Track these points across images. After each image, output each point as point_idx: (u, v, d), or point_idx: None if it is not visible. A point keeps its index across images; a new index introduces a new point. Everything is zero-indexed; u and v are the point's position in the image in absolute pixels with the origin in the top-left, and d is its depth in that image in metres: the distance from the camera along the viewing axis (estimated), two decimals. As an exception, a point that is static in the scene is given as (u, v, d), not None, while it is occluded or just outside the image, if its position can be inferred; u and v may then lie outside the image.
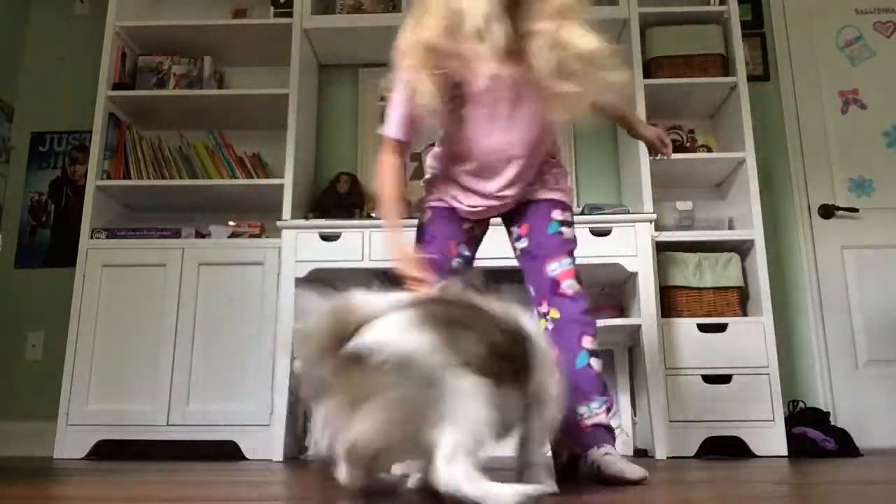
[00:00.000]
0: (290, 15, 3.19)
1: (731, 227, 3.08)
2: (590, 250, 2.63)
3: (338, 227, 2.81)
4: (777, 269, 3.18)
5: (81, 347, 2.82)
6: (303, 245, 2.77)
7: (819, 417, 2.82)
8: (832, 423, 2.83)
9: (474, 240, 1.81)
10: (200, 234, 3.04)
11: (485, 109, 1.55)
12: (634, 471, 1.40)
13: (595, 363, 1.57)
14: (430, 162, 1.83)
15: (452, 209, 1.76)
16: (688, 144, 3.20)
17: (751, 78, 3.20)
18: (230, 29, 3.29)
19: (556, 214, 1.66)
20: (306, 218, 3.00)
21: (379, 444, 0.95)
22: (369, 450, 0.96)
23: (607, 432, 1.54)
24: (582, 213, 2.94)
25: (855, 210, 3.25)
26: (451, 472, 0.90)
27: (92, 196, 3.02)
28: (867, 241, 3.24)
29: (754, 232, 2.87)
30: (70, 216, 3.41)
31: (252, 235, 3.02)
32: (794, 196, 3.32)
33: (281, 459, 2.60)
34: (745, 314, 2.86)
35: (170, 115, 3.31)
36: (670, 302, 2.84)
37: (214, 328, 2.84)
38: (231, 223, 3.05)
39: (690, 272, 2.86)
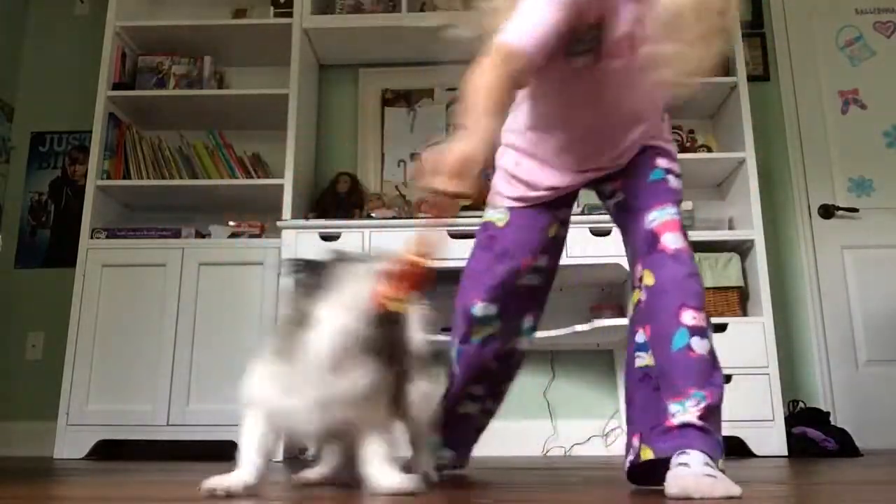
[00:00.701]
0: (290, 15, 3.19)
1: (731, 227, 3.08)
2: (590, 250, 2.64)
3: (338, 227, 2.81)
4: (777, 269, 3.18)
5: (81, 347, 2.82)
6: (303, 245, 2.77)
7: (819, 417, 2.82)
8: (832, 423, 2.83)
9: (557, 243, 1.47)
10: (200, 234, 3.04)
11: (617, 61, 1.27)
12: (707, 488, 1.04)
13: (698, 344, 1.20)
14: (509, 140, 1.46)
15: (533, 206, 1.42)
16: (688, 144, 3.20)
17: (751, 78, 3.20)
18: (230, 29, 3.29)
19: (661, 162, 1.36)
20: (306, 218, 3.00)
21: None
22: None
23: (700, 434, 1.15)
24: (582, 213, 2.94)
25: (855, 210, 3.25)
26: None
27: (92, 196, 3.02)
28: (867, 241, 3.24)
29: (754, 232, 2.87)
30: (70, 216, 3.41)
31: (252, 235, 3.01)
32: (794, 196, 3.32)
33: (281, 459, 2.60)
34: (745, 314, 2.86)
35: (170, 115, 3.31)
36: (670, 302, 2.84)
37: (214, 328, 2.84)
38: (231, 223, 3.05)
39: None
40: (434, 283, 1.11)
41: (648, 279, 1.27)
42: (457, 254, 2.72)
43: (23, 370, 3.27)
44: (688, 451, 1.13)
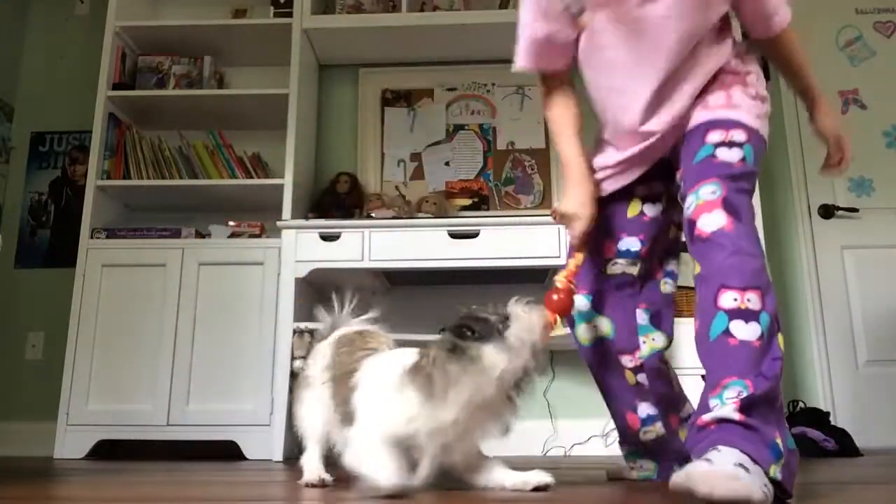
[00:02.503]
0: (290, 15, 3.19)
1: (731, 227, 3.07)
2: (590, 250, 2.63)
3: (338, 227, 2.81)
4: (777, 269, 3.19)
5: (81, 347, 2.82)
6: (303, 245, 2.77)
7: (819, 417, 2.82)
8: (832, 423, 2.83)
9: (644, 224, 1.45)
10: (200, 234, 3.04)
11: (610, 10, 1.30)
12: (715, 485, 0.89)
13: (741, 329, 1.07)
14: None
15: (611, 195, 1.44)
16: (688, 144, 3.19)
17: (751, 78, 3.20)
18: (230, 29, 3.29)
19: (713, 136, 1.24)
20: (306, 218, 3.00)
21: None
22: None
23: (740, 430, 1.01)
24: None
25: (855, 210, 3.25)
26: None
27: (92, 196, 3.02)
28: (867, 241, 3.24)
29: (754, 232, 2.86)
30: (70, 216, 3.41)
31: (252, 235, 3.01)
32: (794, 196, 3.32)
33: (281, 459, 2.60)
34: (745, 314, 2.85)
35: (170, 115, 3.31)
36: (670, 302, 2.84)
37: (214, 328, 2.84)
38: (231, 223, 3.05)
39: (691, 272, 2.86)
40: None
41: (697, 269, 1.21)
42: (457, 254, 2.74)
43: (23, 370, 3.27)
44: (720, 447, 0.98)
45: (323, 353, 1.39)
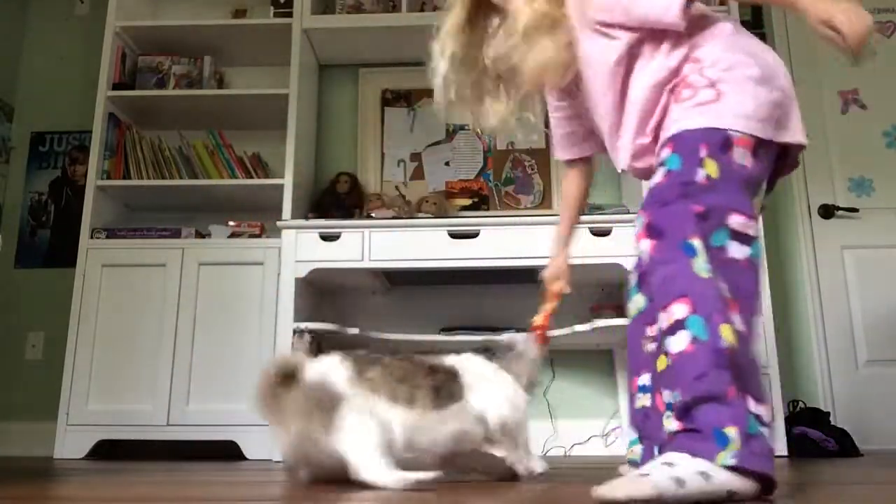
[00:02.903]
0: (290, 15, 3.19)
1: (731, 227, 3.07)
2: (590, 250, 2.63)
3: (338, 227, 2.81)
4: (777, 269, 3.19)
5: (81, 347, 2.82)
6: (303, 245, 2.77)
7: (819, 417, 2.82)
8: (832, 423, 2.83)
9: None
10: (200, 234, 3.04)
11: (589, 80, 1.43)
12: (625, 491, 0.94)
13: (671, 343, 1.09)
14: None
15: None
16: (688, 144, 3.19)
17: (751, 78, 3.20)
18: (230, 29, 3.29)
19: (665, 152, 1.23)
20: (306, 218, 3.00)
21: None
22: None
23: (682, 436, 1.05)
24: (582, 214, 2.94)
25: (855, 210, 3.25)
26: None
27: (92, 196, 3.02)
28: (867, 241, 3.24)
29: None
30: (70, 216, 3.41)
31: (252, 235, 3.01)
32: (794, 196, 3.32)
33: (281, 459, 2.60)
34: (745, 314, 2.85)
35: (170, 115, 3.31)
36: (670, 302, 2.84)
37: (214, 328, 2.84)
38: (231, 223, 3.05)
39: None
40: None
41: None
42: (457, 254, 2.74)
43: (23, 370, 3.27)
44: (665, 453, 1.04)
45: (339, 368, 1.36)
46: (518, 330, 2.92)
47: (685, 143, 1.20)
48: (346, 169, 3.30)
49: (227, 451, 2.73)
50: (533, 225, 2.76)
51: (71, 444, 2.73)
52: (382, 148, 3.41)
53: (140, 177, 3.12)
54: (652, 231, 1.16)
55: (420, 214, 3.07)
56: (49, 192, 3.51)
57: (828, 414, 2.88)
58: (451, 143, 3.41)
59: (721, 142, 1.18)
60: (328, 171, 3.33)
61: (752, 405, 1.06)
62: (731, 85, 1.23)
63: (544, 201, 3.30)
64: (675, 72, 1.29)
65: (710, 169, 1.16)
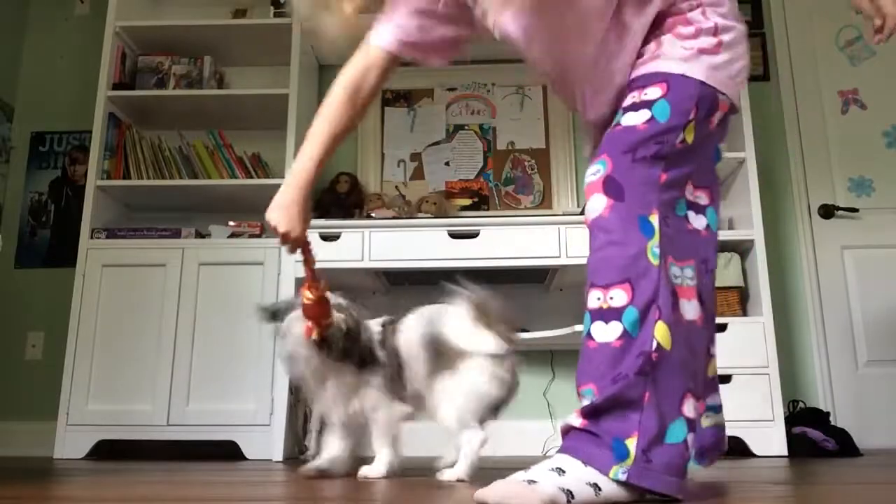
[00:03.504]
0: (290, 15, 3.19)
1: (731, 227, 3.07)
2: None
3: (338, 227, 2.81)
4: (777, 269, 3.18)
5: (81, 347, 2.82)
6: (303, 245, 2.76)
7: (819, 417, 2.82)
8: (832, 423, 2.83)
9: None
10: (200, 234, 3.04)
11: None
12: (502, 498, 0.90)
13: (600, 331, 1.01)
14: None
15: None
16: (688, 144, 3.19)
17: (751, 78, 3.18)
18: (230, 29, 3.29)
19: (627, 100, 1.11)
20: (306, 218, 2.99)
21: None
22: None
23: (580, 435, 0.99)
24: (582, 213, 2.94)
25: (855, 210, 3.25)
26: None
27: (92, 196, 3.02)
28: (867, 241, 3.24)
29: (754, 232, 2.87)
30: (70, 216, 3.41)
31: (252, 235, 3.02)
32: (794, 196, 3.32)
33: (281, 459, 2.60)
34: (744, 314, 2.86)
35: (170, 115, 3.31)
36: (670, 302, 2.84)
37: (214, 328, 2.84)
38: (231, 223, 3.05)
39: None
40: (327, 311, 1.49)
41: None
42: (457, 254, 2.74)
43: (23, 370, 3.27)
44: (555, 455, 0.99)
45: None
46: (518, 330, 2.94)
47: (680, 92, 1.07)
48: (346, 169, 3.30)
49: (227, 451, 2.73)
50: (533, 225, 2.76)
51: (71, 444, 2.73)
52: (382, 148, 3.42)
53: (140, 177, 3.12)
54: (611, 188, 1.04)
55: (420, 214, 3.07)
56: (49, 192, 3.50)
57: (828, 414, 2.88)
58: (451, 143, 3.41)
59: (710, 105, 1.09)
60: (328, 171, 3.33)
61: (692, 406, 1.00)
62: (730, 36, 1.13)
63: (544, 201, 3.30)
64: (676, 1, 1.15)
65: (689, 135, 1.07)
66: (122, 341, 2.83)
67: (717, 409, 1.44)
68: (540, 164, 3.36)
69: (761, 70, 3.43)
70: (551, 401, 3.03)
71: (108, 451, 2.83)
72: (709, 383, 1.42)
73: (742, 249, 2.95)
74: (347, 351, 1.49)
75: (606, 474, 0.93)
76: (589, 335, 1.03)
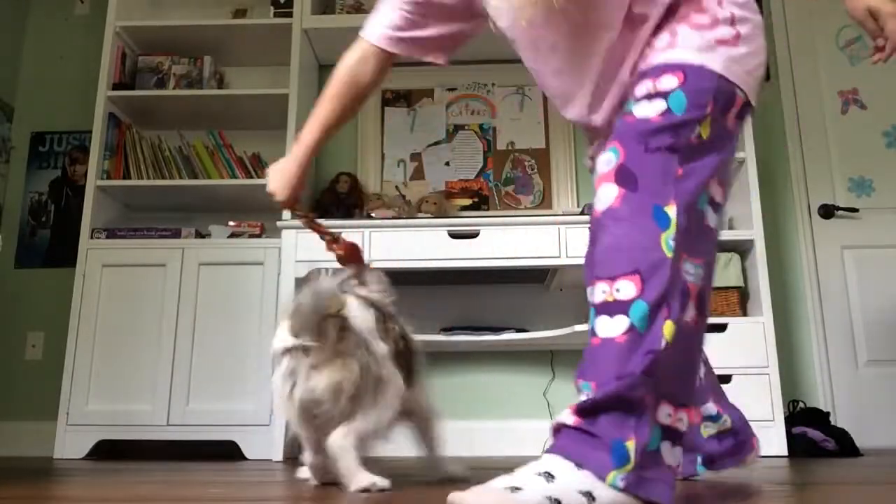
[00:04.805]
0: (290, 15, 3.19)
1: (731, 227, 3.07)
2: (590, 250, 2.63)
3: (338, 227, 2.80)
4: (777, 269, 3.18)
5: (81, 347, 2.82)
6: (303, 245, 2.77)
7: (819, 417, 2.82)
8: (832, 423, 2.83)
9: None
10: (200, 234, 3.04)
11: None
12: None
13: (604, 325, 0.94)
14: None
15: None
16: (688, 144, 3.19)
17: (751, 78, 3.20)
18: (230, 29, 3.29)
19: (640, 89, 1.05)
20: (306, 218, 2.99)
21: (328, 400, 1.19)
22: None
23: (573, 434, 0.91)
24: (582, 214, 2.94)
25: (855, 210, 3.25)
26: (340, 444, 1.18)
27: (92, 196, 3.02)
28: (867, 241, 3.24)
29: (754, 232, 2.87)
30: (70, 216, 3.41)
31: (252, 235, 3.02)
32: (794, 196, 3.32)
33: (281, 459, 2.60)
34: (744, 314, 2.86)
35: (170, 115, 3.31)
36: (670, 302, 2.84)
37: (214, 328, 2.84)
38: (231, 223, 3.05)
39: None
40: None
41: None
42: (457, 254, 2.74)
43: (23, 370, 3.27)
44: (545, 455, 0.90)
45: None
46: (518, 330, 2.94)
47: (698, 83, 1.02)
48: (346, 169, 3.30)
49: (227, 451, 2.73)
50: (533, 225, 2.76)
51: (71, 444, 2.73)
52: (382, 148, 3.41)
53: (140, 177, 3.12)
54: (624, 177, 0.97)
55: (420, 214, 3.07)
56: (49, 192, 3.50)
57: (828, 414, 2.88)
58: (451, 143, 3.41)
59: (727, 100, 1.04)
60: (328, 171, 3.33)
61: (666, 412, 0.92)
62: (748, 28, 1.08)
63: (544, 201, 3.30)
64: None
65: (705, 131, 1.01)
66: (122, 341, 2.83)
67: (716, 417, 1.44)
68: (540, 164, 3.36)
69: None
70: (551, 401, 3.03)
71: (108, 451, 2.83)
72: (704, 390, 1.42)
73: (742, 249, 2.95)
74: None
75: (603, 480, 0.85)
76: (593, 332, 0.95)
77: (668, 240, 0.94)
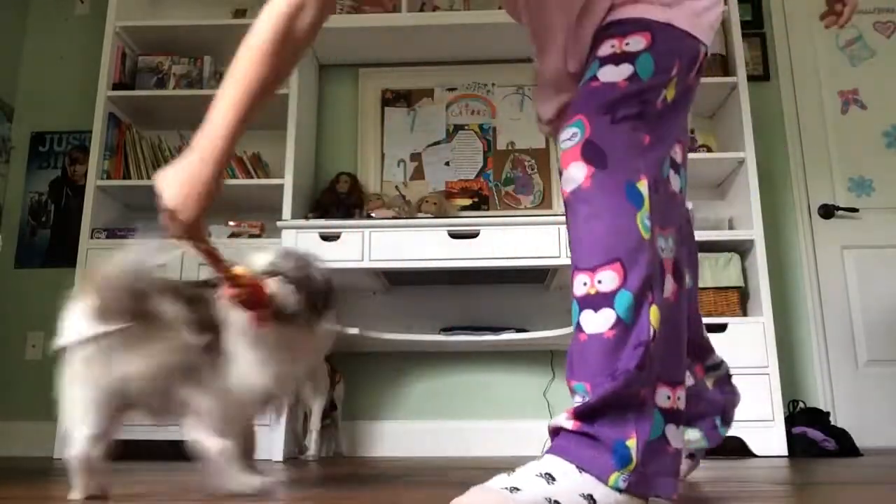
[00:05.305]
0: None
1: (730, 227, 3.08)
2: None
3: (337, 227, 2.81)
4: (777, 269, 3.18)
5: (81, 347, 2.81)
6: (303, 245, 2.76)
7: (819, 417, 2.82)
8: (832, 423, 2.83)
9: None
10: (200, 234, 3.03)
11: None
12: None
13: (589, 320, 0.89)
14: None
15: None
16: (688, 144, 3.19)
17: (751, 78, 3.20)
18: (230, 29, 3.28)
19: (605, 48, 0.99)
20: (306, 218, 3.00)
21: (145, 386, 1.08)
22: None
23: (572, 437, 0.87)
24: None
25: (855, 210, 3.25)
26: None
27: (92, 196, 3.02)
28: (867, 241, 3.24)
29: (754, 232, 2.87)
30: (70, 216, 3.41)
31: (252, 235, 3.01)
32: (794, 196, 3.32)
33: (281, 459, 2.60)
34: (744, 314, 2.86)
35: (170, 115, 3.31)
36: (670, 302, 2.84)
37: (214, 328, 2.83)
38: (231, 223, 3.05)
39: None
40: None
41: None
42: (457, 254, 2.74)
43: (23, 370, 3.27)
44: (546, 456, 0.87)
45: None
46: (518, 330, 2.94)
47: (665, 45, 0.98)
48: (346, 169, 3.30)
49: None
50: (533, 225, 2.76)
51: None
52: (382, 148, 3.41)
53: (140, 177, 3.12)
54: (591, 154, 0.92)
55: (420, 214, 3.07)
56: (49, 192, 3.50)
57: (828, 414, 2.88)
58: (451, 143, 3.41)
59: (691, 58, 1.00)
60: (328, 171, 3.33)
61: (665, 395, 0.89)
62: None
63: (544, 201, 3.30)
64: None
65: (670, 92, 0.97)
66: (122, 341, 2.83)
67: (717, 366, 1.45)
68: (540, 164, 3.36)
69: (761, 70, 3.43)
70: (551, 401, 3.03)
71: (108, 451, 2.83)
72: (701, 346, 1.41)
73: (742, 249, 2.95)
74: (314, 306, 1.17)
75: (606, 482, 0.83)
76: (578, 327, 0.90)
77: (643, 219, 0.90)
